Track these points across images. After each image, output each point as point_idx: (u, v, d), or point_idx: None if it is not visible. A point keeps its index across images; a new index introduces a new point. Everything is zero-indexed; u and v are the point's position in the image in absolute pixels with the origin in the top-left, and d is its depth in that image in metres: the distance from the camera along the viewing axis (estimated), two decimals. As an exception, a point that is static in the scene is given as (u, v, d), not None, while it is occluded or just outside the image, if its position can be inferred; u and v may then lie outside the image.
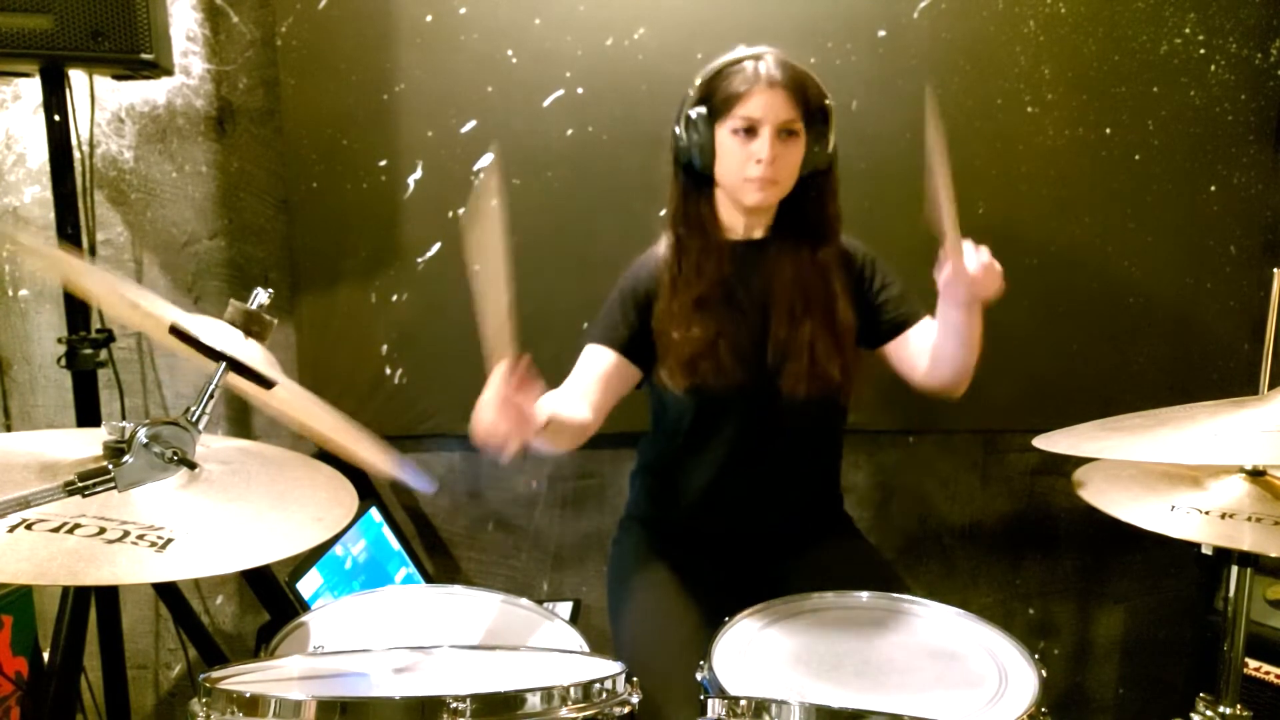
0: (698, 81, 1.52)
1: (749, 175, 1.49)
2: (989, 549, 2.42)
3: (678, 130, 1.54)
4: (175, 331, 1.08)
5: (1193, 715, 1.44)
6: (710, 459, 1.63)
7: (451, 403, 2.18)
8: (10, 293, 2.17)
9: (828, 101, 1.52)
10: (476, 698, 0.96)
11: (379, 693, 1.07)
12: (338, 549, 1.94)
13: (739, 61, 1.49)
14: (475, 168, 2.11)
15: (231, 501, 1.09)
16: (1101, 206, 2.21)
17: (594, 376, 1.56)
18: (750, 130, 1.47)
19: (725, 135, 1.49)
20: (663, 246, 1.61)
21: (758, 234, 1.59)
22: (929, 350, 1.59)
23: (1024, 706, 1.14)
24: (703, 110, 1.50)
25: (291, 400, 1.20)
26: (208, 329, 1.13)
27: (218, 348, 1.10)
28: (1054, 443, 1.36)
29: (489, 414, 1.20)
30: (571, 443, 1.49)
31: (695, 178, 1.56)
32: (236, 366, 1.11)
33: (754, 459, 1.63)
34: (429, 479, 1.24)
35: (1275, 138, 2.21)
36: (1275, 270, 1.40)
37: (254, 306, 1.22)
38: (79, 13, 1.63)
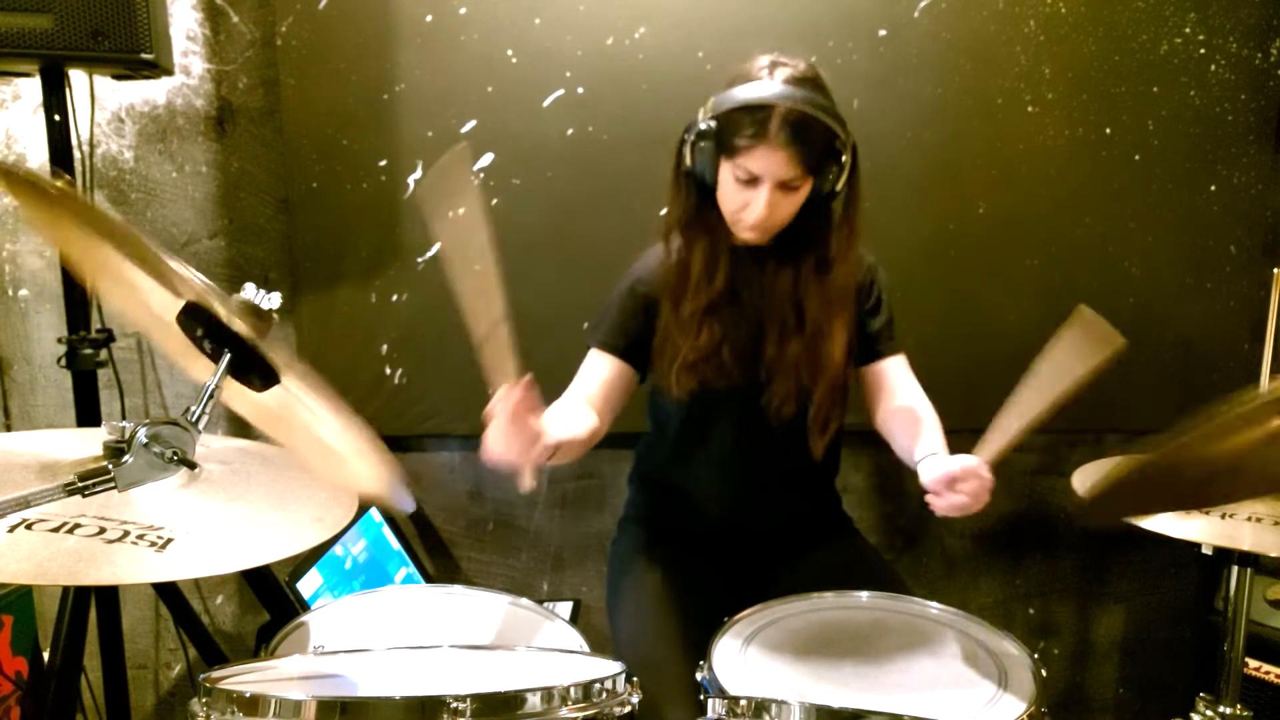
0: (711, 103, 1.42)
1: (742, 219, 1.46)
2: (989, 549, 2.42)
3: (685, 142, 1.47)
4: (189, 311, 1.06)
5: (1193, 715, 1.44)
6: (707, 461, 1.63)
7: (451, 403, 2.18)
8: (10, 293, 2.17)
9: (845, 143, 1.42)
10: (476, 698, 0.96)
11: (379, 693, 1.07)
12: (338, 549, 1.94)
13: (753, 110, 1.37)
14: (475, 168, 2.11)
15: (231, 501, 1.08)
16: (1102, 206, 2.21)
17: (599, 383, 1.55)
18: (752, 180, 1.41)
19: (726, 172, 1.44)
20: (664, 248, 1.60)
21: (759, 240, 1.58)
22: (887, 396, 1.62)
23: (1024, 706, 1.14)
24: (709, 135, 1.42)
25: (284, 413, 1.19)
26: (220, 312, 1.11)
27: (230, 327, 1.08)
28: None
29: (497, 438, 1.18)
30: (582, 452, 1.49)
31: (701, 183, 1.51)
32: (236, 366, 1.10)
33: (750, 461, 1.63)
34: (409, 498, 1.21)
35: (1275, 138, 2.21)
36: (1275, 270, 1.40)
37: (255, 303, 1.21)
38: (79, 13, 1.63)
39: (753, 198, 1.42)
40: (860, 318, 1.61)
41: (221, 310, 1.07)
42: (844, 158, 1.43)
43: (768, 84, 1.39)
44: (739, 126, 1.38)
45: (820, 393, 1.55)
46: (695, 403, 1.57)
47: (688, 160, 1.47)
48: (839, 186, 1.46)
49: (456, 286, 1.11)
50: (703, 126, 1.42)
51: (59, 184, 0.98)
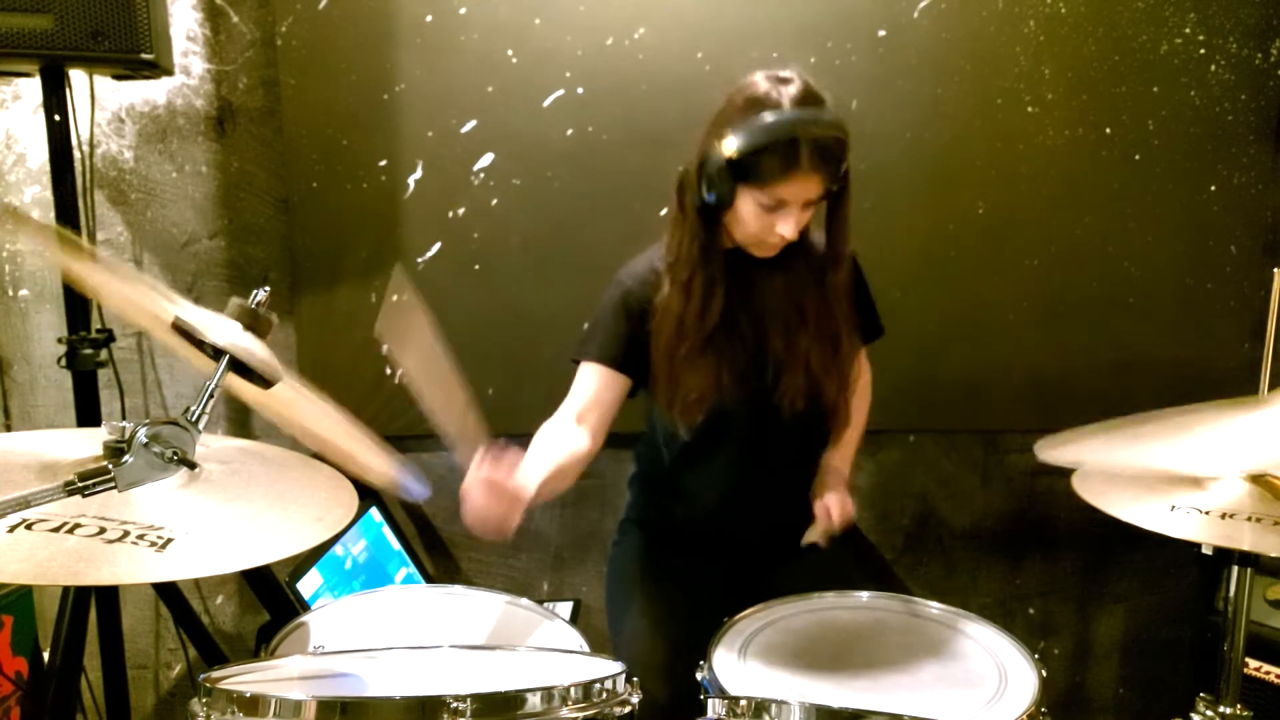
0: (728, 137, 1.38)
1: (765, 241, 1.47)
2: (989, 549, 2.42)
3: (699, 175, 1.44)
4: (178, 327, 1.08)
5: (1193, 715, 1.44)
6: (708, 465, 1.63)
7: (451, 403, 2.18)
8: (10, 293, 2.17)
9: (849, 150, 1.44)
10: (476, 698, 0.96)
11: (379, 693, 1.07)
12: (338, 549, 1.94)
13: (780, 140, 1.36)
14: (475, 168, 2.11)
15: (231, 501, 1.08)
16: (1102, 206, 2.21)
17: (592, 398, 1.54)
18: (778, 206, 1.41)
19: (749, 200, 1.42)
20: (657, 258, 1.57)
21: None
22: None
23: (1024, 706, 1.14)
24: (727, 164, 1.39)
25: (291, 403, 1.20)
26: (209, 324, 1.12)
27: (219, 343, 1.09)
28: (1056, 452, 1.35)
29: (478, 501, 1.22)
30: (576, 476, 1.49)
31: (709, 212, 1.48)
32: (237, 365, 1.11)
33: (752, 464, 1.62)
34: (425, 485, 1.24)
35: (1275, 138, 2.21)
36: (1275, 270, 1.40)
37: (254, 304, 1.22)
38: (79, 13, 1.63)
39: (778, 220, 1.42)
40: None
41: (204, 331, 1.07)
42: (844, 160, 1.44)
43: (785, 112, 1.37)
44: (768, 160, 1.37)
45: (832, 383, 1.56)
46: (704, 422, 1.57)
47: (703, 192, 1.44)
48: (834, 187, 1.47)
49: (418, 390, 1.19)
50: (721, 161, 1.39)
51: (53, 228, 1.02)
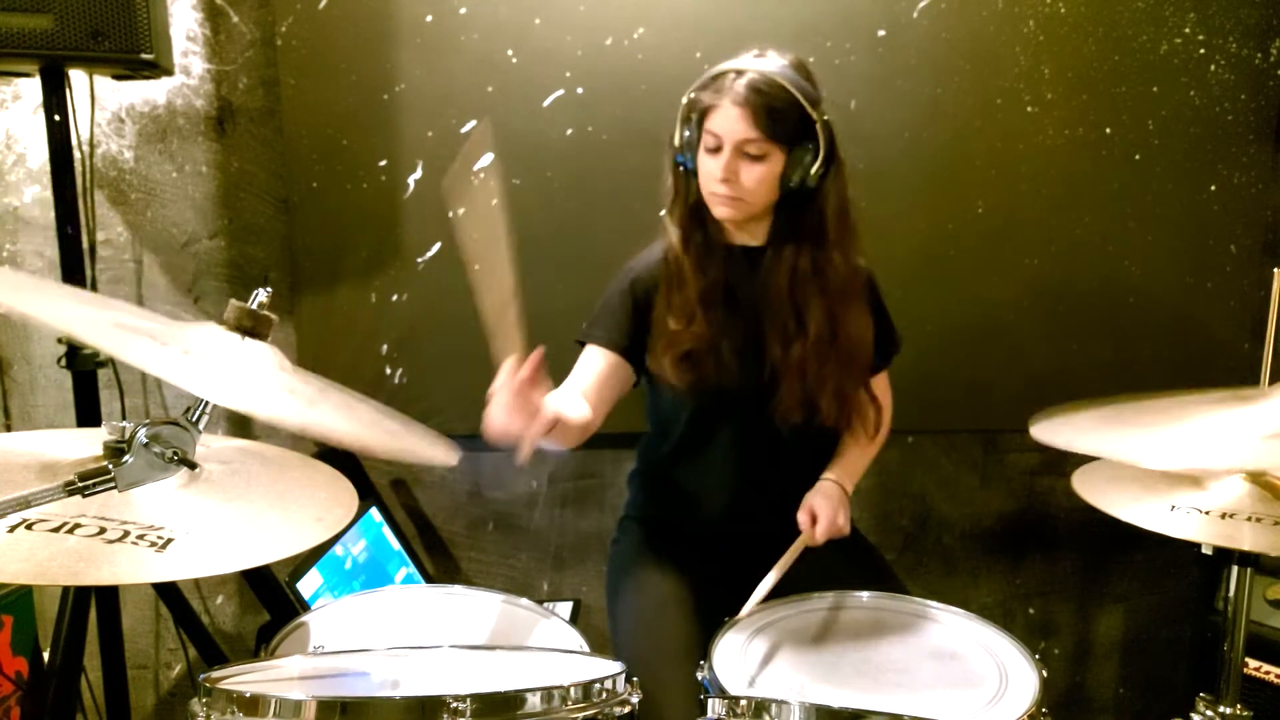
0: (692, 87, 1.49)
1: (712, 190, 1.47)
2: (989, 549, 2.42)
3: (675, 131, 1.51)
4: None
5: (1193, 715, 1.44)
6: (707, 461, 1.63)
7: (451, 403, 2.17)
8: (10, 293, 2.17)
9: (817, 118, 1.43)
10: (476, 698, 0.96)
11: (379, 693, 1.07)
12: (338, 549, 1.94)
13: (722, 75, 1.44)
14: (475, 168, 2.11)
15: (231, 501, 1.09)
16: (1102, 206, 2.21)
17: (594, 379, 1.54)
18: (717, 146, 1.44)
19: (701, 147, 1.47)
20: (661, 247, 1.59)
21: (755, 241, 1.58)
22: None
23: (1024, 706, 1.14)
24: (692, 117, 1.48)
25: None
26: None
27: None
28: (1052, 434, 1.35)
29: (500, 410, 1.20)
30: (575, 441, 1.49)
31: (690, 174, 1.53)
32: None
33: (751, 461, 1.62)
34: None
35: (1275, 138, 2.21)
36: (1275, 270, 1.40)
37: (253, 306, 1.22)
38: (79, 13, 1.63)
39: (713, 165, 1.45)
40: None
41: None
42: (817, 134, 1.44)
43: (742, 58, 1.46)
44: (706, 92, 1.44)
45: (826, 400, 1.54)
46: (696, 404, 1.57)
47: (676, 142, 1.51)
48: (815, 169, 1.46)
49: (471, 265, 1.16)
50: (686, 103, 1.48)
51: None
